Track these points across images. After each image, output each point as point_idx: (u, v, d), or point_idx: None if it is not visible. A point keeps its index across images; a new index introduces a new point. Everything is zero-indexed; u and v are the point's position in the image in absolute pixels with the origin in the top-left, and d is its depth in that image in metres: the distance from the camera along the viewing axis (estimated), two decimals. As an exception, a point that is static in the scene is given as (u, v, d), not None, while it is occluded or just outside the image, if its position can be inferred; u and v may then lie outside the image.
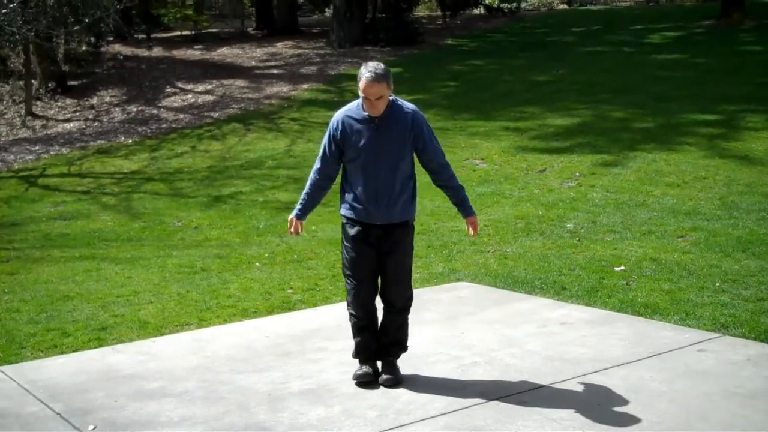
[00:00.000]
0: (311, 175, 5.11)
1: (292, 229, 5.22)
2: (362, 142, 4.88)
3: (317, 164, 5.08)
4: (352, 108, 4.97)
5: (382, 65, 4.85)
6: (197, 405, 4.85)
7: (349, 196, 4.99)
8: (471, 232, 5.25)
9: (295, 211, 5.19)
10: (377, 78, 4.76)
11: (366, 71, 4.80)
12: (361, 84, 4.79)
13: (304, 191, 5.15)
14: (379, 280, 5.07)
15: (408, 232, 5.07)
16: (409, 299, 5.16)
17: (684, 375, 4.99)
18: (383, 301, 5.12)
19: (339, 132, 4.94)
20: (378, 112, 4.86)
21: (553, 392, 4.82)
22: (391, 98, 4.91)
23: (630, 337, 5.70)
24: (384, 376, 5.05)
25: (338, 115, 5.00)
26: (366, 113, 4.88)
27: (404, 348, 5.19)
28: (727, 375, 4.96)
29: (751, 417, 4.42)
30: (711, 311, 6.21)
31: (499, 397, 4.77)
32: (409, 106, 5.00)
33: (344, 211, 5.04)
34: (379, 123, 4.87)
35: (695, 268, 7.37)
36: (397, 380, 5.03)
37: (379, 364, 5.14)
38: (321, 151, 5.05)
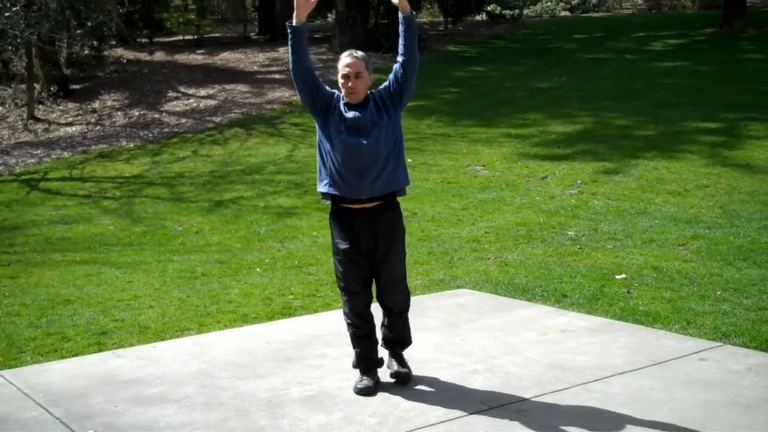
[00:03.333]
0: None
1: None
2: (341, 121, 4.80)
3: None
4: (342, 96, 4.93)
5: (362, 52, 4.92)
6: (197, 410, 4.84)
7: (330, 169, 4.84)
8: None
9: None
10: (356, 55, 4.83)
11: (345, 52, 4.90)
12: (340, 63, 4.85)
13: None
14: (375, 285, 5.07)
15: (398, 224, 4.97)
16: (407, 301, 5.17)
17: (684, 384, 4.98)
18: (381, 305, 5.12)
19: (327, 100, 4.88)
20: (357, 96, 4.80)
21: (553, 400, 4.81)
22: (372, 91, 4.91)
23: (631, 346, 5.69)
24: (396, 369, 5.14)
25: (337, 93, 4.94)
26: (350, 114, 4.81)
27: (408, 342, 5.28)
28: (728, 384, 4.95)
29: (752, 427, 4.41)
30: (712, 320, 6.21)
31: (499, 404, 4.77)
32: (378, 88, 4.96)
33: (325, 188, 4.89)
34: (355, 117, 4.79)
35: (696, 276, 7.37)
36: (408, 375, 5.13)
37: (384, 360, 5.18)
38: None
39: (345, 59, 4.84)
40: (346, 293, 5.02)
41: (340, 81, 4.84)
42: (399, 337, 5.20)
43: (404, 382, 5.09)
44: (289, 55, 4.95)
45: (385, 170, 4.82)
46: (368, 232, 4.88)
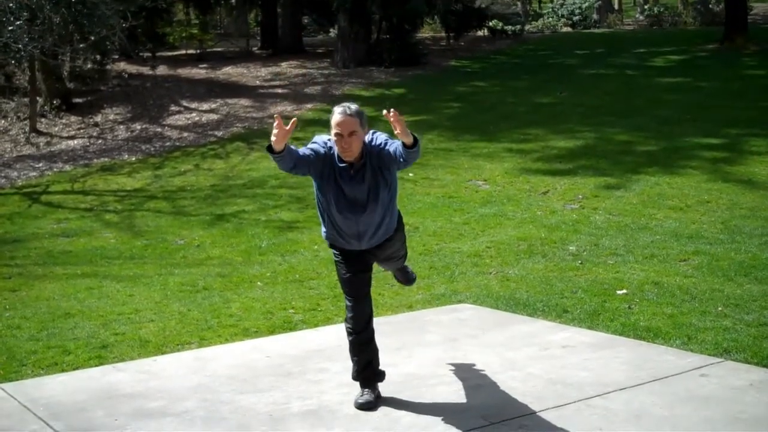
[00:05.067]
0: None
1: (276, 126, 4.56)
2: (339, 192, 4.79)
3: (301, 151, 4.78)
4: (336, 150, 4.79)
5: (355, 105, 4.74)
6: (198, 425, 4.83)
7: (329, 227, 4.95)
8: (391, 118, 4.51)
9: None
10: (350, 113, 4.65)
11: (338, 108, 4.70)
12: (333, 119, 4.68)
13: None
14: None
15: (397, 241, 5.14)
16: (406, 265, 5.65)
17: (686, 400, 4.97)
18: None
19: (323, 161, 4.76)
20: (352, 154, 4.69)
21: (554, 416, 4.80)
22: (367, 139, 4.77)
23: (632, 361, 5.68)
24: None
25: (330, 143, 4.81)
26: (344, 164, 4.73)
27: (413, 276, 5.75)
28: (730, 400, 4.94)
29: (753, 443, 4.40)
30: (713, 336, 6.19)
31: (500, 420, 4.75)
32: (375, 140, 4.78)
33: (326, 236, 5.04)
34: (354, 173, 4.76)
35: (697, 292, 7.36)
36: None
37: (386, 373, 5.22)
38: (303, 147, 4.81)
39: (338, 116, 4.67)
40: (349, 298, 5.04)
41: (334, 138, 4.71)
42: (403, 278, 5.65)
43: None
44: (280, 167, 4.74)
45: (382, 226, 4.93)
46: (370, 256, 5.08)
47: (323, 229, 5.03)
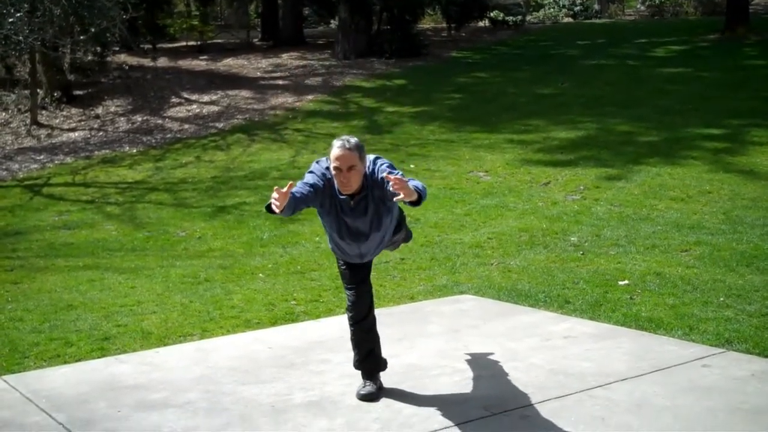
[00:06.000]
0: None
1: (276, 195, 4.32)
2: (341, 222, 4.76)
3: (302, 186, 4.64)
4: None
5: (355, 138, 4.62)
6: (200, 416, 4.84)
7: (332, 245, 4.99)
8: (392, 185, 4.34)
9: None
10: (349, 147, 4.54)
11: (337, 141, 4.58)
12: (332, 152, 4.56)
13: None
14: None
15: (398, 241, 5.26)
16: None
17: (688, 390, 4.97)
18: None
19: (322, 193, 4.66)
20: (351, 188, 4.61)
21: (556, 406, 4.81)
22: (368, 168, 4.68)
23: (634, 352, 5.68)
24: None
25: (329, 173, 4.66)
26: (344, 196, 4.65)
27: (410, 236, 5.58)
28: (731, 391, 4.95)
29: (755, 433, 4.41)
30: (715, 326, 6.20)
31: (502, 411, 4.76)
32: (377, 171, 4.67)
33: (330, 248, 5.09)
34: (355, 205, 4.71)
35: (699, 282, 7.36)
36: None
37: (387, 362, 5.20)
38: (301, 184, 4.62)
39: (337, 151, 4.54)
40: (350, 286, 5.04)
41: (333, 171, 4.61)
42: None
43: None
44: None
45: (383, 243, 5.00)
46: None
47: (328, 241, 5.04)
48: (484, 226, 10.01)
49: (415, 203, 4.39)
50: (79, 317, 7.31)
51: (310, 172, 4.72)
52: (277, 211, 4.29)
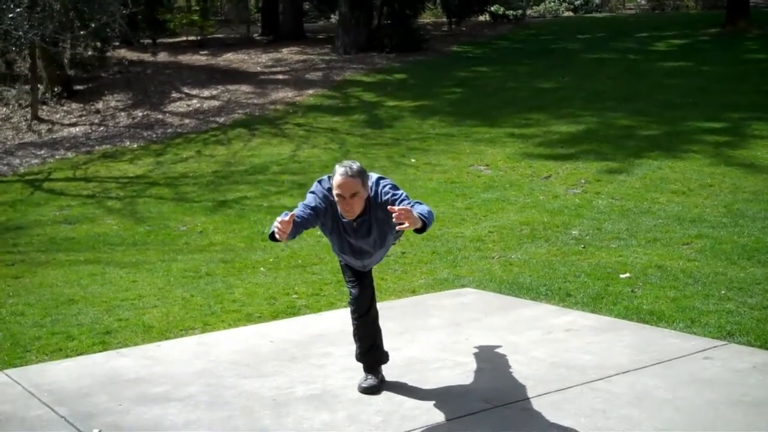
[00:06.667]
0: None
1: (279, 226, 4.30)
2: (344, 242, 4.78)
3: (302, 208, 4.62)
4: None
5: (357, 163, 4.59)
6: (201, 409, 4.84)
7: (336, 253, 5.00)
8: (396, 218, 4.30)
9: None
10: (351, 174, 4.50)
11: (340, 167, 4.54)
12: (334, 181, 4.53)
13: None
14: None
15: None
16: None
17: (689, 383, 4.97)
18: None
19: (324, 214, 4.66)
20: (354, 214, 4.60)
21: (557, 399, 4.81)
22: (371, 190, 4.65)
23: (635, 345, 5.68)
24: None
25: (331, 195, 4.63)
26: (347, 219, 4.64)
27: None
28: (733, 383, 4.95)
29: (756, 425, 4.41)
30: (716, 319, 6.20)
31: (503, 403, 4.76)
32: (380, 193, 4.65)
33: (337, 257, 5.12)
34: (358, 227, 4.70)
35: (701, 275, 7.36)
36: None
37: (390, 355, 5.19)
38: (303, 207, 4.61)
39: (339, 178, 4.50)
40: (351, 280, 5.04)
41: (335, 197, 4.58)
42: None
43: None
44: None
45: (385, 254, 5.04)
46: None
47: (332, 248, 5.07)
48: (485, 220, 10.01)
49: (420, 231, 4.39)
50: (80, 311, 7.31)
51: (312, 192, 4.71)
52: (280, 239, 4.31)
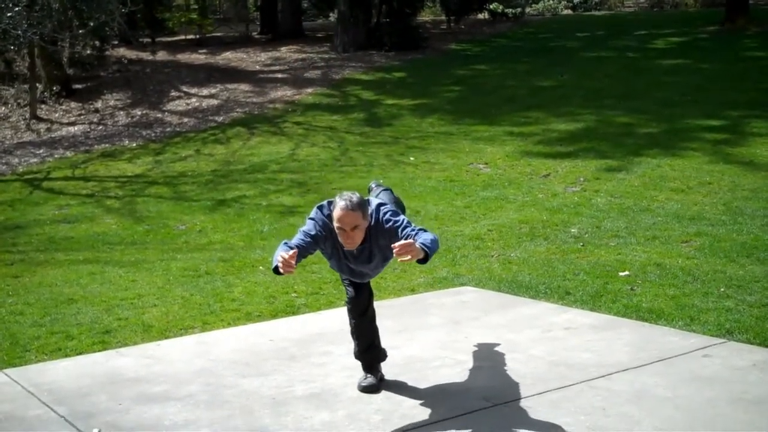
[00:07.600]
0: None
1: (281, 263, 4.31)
2: (344, 266, 4.80)
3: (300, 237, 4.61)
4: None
5: (357, 195, 4.56)
6: (201, 408, 4.84)
7: (335, 270, 5.02)
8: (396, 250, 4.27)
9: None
10: (352, 207, 4.47)
11: (340, 200, 4.51)
12: (335, 213, 4.51)
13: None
14: None
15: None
16: None
17: (689, 381, 4.98)
18: None
19: (324, 241, 4.66)
20: (354, 245, 4.60)
21: (557, 397, 4.81)
22: (372, 217, 4.62)
23: (634, 343, 5.69)
24: None
25: (330, 224, 4.60)
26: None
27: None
28: (733, 381, 4.95)
29: (756, 423, 4.41)
30: (716, 317, 6.20)
31: (503, 402, 4.77)
32: (382, 222, 4.63)
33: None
34: (359, 253, 4.70)
35: (700, 273, 7.36)
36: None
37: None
38: (302, 235, 4.60)
39: (340, 212, 4.48)
40: (349, 283, 5.05)
41: (336, 230, 4.55)
42: None
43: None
44: None
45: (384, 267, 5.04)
46: None
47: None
48: (484, 218, 10.01)
49: (423, 261, 4.36)
50: (79, 311, 7.31)
51: (311, 218, 4.68)
52: (284, 274, 4.33)
